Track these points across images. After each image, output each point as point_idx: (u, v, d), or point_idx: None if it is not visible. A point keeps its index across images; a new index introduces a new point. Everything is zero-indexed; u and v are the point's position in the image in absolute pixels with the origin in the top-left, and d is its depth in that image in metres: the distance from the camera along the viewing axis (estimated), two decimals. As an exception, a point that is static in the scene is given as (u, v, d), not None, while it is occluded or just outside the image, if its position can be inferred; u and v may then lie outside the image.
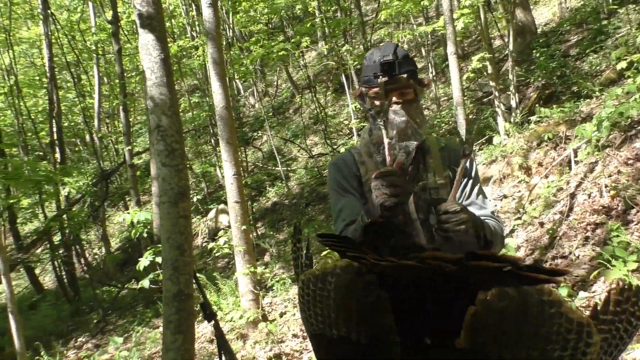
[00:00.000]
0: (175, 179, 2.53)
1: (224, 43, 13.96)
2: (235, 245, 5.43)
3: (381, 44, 1.68)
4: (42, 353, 6.81)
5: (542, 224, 4.67)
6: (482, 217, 1.58)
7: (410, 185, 1.54)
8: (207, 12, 5.43)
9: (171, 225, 2.52)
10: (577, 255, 3.81)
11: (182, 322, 2.44)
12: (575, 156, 5.22)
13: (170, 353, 2.51)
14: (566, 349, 0.85)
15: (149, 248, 5.96)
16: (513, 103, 7.36)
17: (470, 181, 1.66)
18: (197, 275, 2.51)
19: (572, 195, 4.59)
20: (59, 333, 9.20)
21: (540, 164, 6.11)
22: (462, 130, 4.82)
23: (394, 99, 1.55)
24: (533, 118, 6.81)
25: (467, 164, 1.63)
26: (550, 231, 4.36)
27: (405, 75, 1.56)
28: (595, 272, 3.25)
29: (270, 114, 14.42)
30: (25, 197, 10.69)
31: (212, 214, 11.25)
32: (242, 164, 13.26)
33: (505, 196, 6.34)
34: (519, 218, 5.25)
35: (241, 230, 5.33)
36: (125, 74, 11.11)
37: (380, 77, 1.55)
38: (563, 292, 3.40)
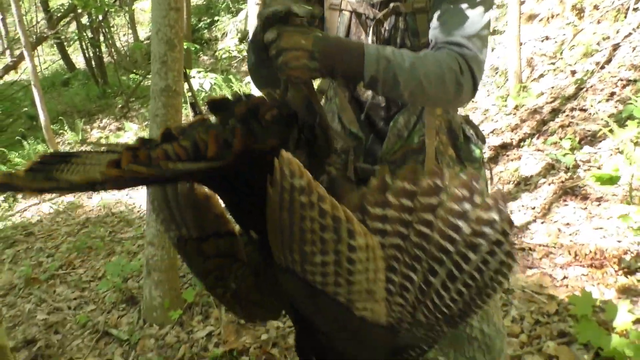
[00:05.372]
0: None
1: None
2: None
3: None
4: (65, 128, 7.22)
5: (573, 73, 4.34)
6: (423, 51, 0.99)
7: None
8: None
9: (161, 17, 2.36)
10: (597, 110, 3.59)
11: (168, 118, 2.43)
12: (636, 2, 4.61)
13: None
14: (326, 252, 0.65)
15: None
16: None
17: None
18: (187, 72, 2.43)
19: (616, 47, 4.16)
20: (86, 111, 9.64)
21: (596, 7, 5.46)
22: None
23: None
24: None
25: None
26: (579, 81, 4.06)
27: None
28: (606, 129, 3.07)
29: None
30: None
31: (242, 14, 10.60)
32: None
33: (547, 38, 5.84)
34: (553, 63, 4.88)
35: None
36: None
37: None
38: (566, 144, 3.28)
